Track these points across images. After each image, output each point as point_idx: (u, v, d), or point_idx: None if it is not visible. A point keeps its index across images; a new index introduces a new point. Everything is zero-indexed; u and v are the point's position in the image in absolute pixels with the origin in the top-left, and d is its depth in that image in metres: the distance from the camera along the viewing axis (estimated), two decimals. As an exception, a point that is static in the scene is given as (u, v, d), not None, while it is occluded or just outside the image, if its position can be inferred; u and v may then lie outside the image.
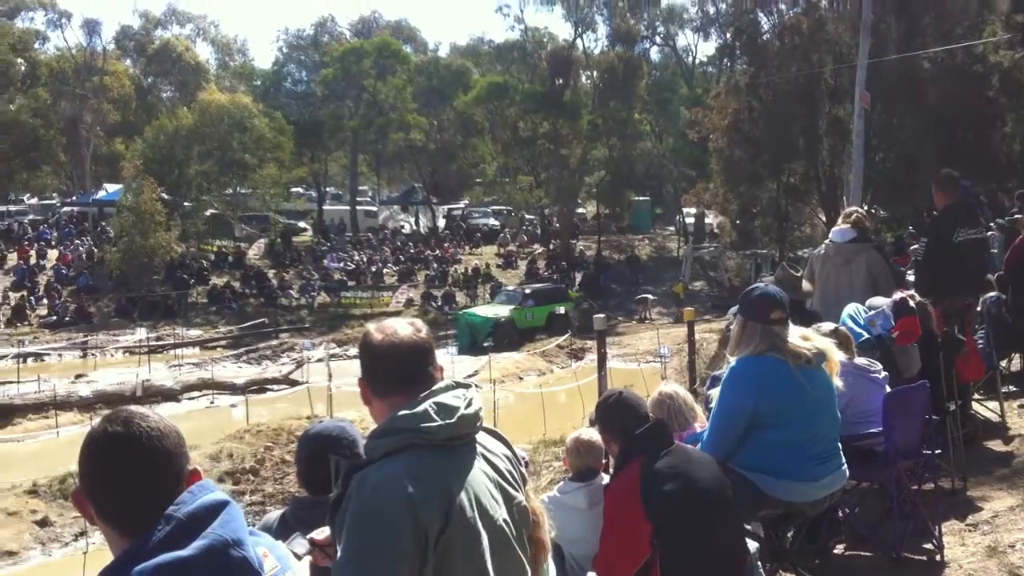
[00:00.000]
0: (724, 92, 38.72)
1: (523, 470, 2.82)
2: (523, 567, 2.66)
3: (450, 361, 26.41)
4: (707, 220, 52.71)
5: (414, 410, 2.49)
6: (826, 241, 8.31)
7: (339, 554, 2.42)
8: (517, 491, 2.69)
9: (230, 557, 1.83)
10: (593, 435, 4.73)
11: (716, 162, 40.20)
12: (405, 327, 2.66)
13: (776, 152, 36.12)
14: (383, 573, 2.35)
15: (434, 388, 2.56)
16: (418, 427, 2.46)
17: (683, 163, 51.94)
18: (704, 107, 40.69)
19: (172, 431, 1.96)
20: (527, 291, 37.96)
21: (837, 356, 4.64)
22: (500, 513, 2.57)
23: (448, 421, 2.49)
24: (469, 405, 2.55)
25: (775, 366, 4.45)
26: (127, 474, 1.90)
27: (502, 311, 35.49)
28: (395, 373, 2.61)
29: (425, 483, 2.42)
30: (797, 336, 4.53)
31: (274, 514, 3.65)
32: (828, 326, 5.56)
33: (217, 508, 1.88)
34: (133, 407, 2.03)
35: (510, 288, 40.41)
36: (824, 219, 36.26)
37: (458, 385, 2.61)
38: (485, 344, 31.57)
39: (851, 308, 6.85)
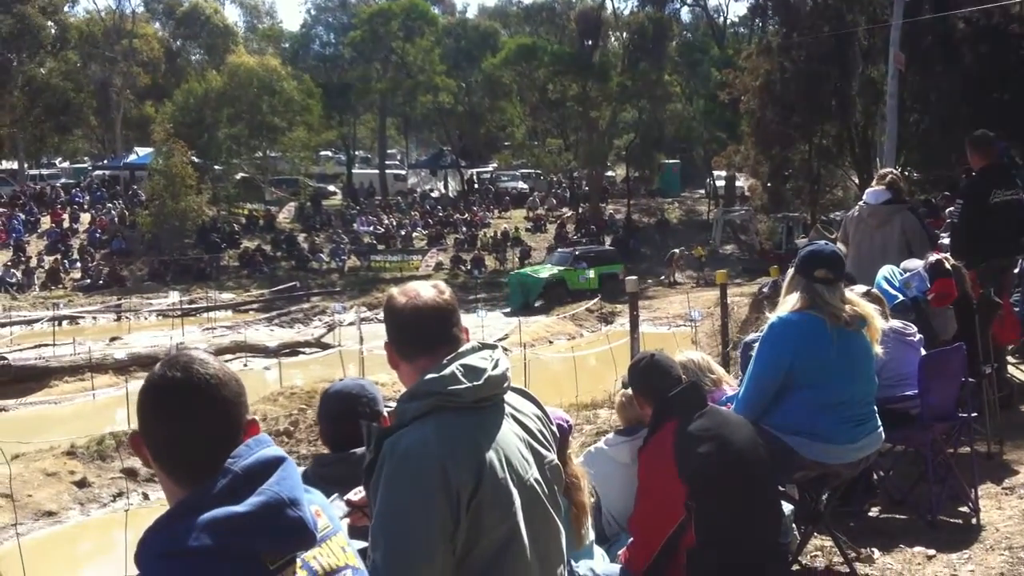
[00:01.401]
0: (756, 53, 38.15)
1: (554, 428, 2.83)
2: (557, 526, 2.69)
3: (479, 324, 26.53)
4: (738, 183, 52.21)
5: (441, 373, 2.51)
6: (860, 203, 8.22)
7: (374, 517, 2.47)
8: (548, 450, 2.71)
9: (286, 516, 1.81)
10: None
11: (747, 124, 39.73)
12: (428, 290, 2.66)
13: (808, 114, 35.64)
14: (417, 535, 2.39)
15: (460, 350, 2.58)
16: (446, 389, 2.49)
17: (713, 125, 51.36)
18: (735, 68, 40.14)
19: (232, 379, 1.93)
20: (579, 252, 38.15)
21: (879, 323, 4.61)
22: (531, 472, 2.59)
23: (475, 383, 2.51)
24: (496, 366, 2.57)
25: (814, 324, 4.42)
26: (183, 420, 1.87)
27: (554, 272, 35.77)
28: (420, 336, 2.63)
29: (455, 445, 2.45)
30: (842, 299, 4.51)
31: None
32: (860, 288, 5.54)
33: (274, 464, 1.86)
34: (194, 351, 2.00)
35: (563, 249, 40.48)
36: (857, 181, 35.84)
37: (484, 346, 2.63)
38: (536, 304, 32.68)
39: (886, 270, 6.81)
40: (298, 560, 1.86)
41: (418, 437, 2.45)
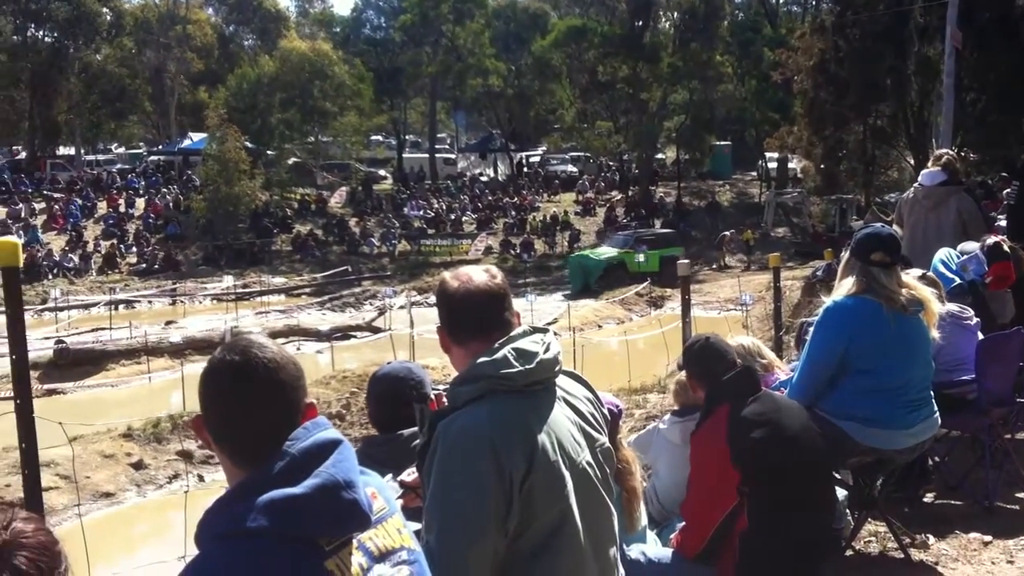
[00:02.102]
0: (809, 32, 37.64)
1: (605, 411, 2.85)
2: (609, 508, 2.70)
3: (528, 308, 26.55)
4: (790, 164, 51.64)
5: (493, 356, 2.53)
6: (915, 185, 8.10)
7: (427, 499, 2.49)
8: (600, 433, 2.72)
9: (341, 498, 1.83)
10: None
11: (800, 105, 39.28)
12: (480, 274, 2.68)
13: (863, 94, 35.10)
14: (470, 517, 2.41)
15: (512, 334, 2.60)
16: (498, 373, 2.51)
17: (766, 106, 50.78)
18: (788, 48, 39.62)
19: (290, 362, 1.96)
20: (639, 235, 38.15)
21: (936, 307, 4.54)
22: (583, 455, 2.61)
23: (528, 366, 2.52)
24: (547, 349, 2.58)
25: (870, 308, 4.36)
26: (242, 403, 1.90)
27: (613, 254, 35.81)
28: (472, 320, 2.64)
29: (507, 428, 2.47)
30: (899, 282, 4.45)
31: None
32: (915, 272, 5.46)
33: (330, 446, 1.88)
34: (253, 336, 2.03)
35: (625, 232, 40.44)
36: (912, 163, 35.34)
37: (535, 330, 2.65)
38: (596, 287, 33.01)
39: (943, 253, 6.71)
40: (354, 541, 1.89)
41: (471, 420, 2.47)
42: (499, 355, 2.53)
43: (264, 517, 1.77)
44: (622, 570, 2.79)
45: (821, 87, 36.12)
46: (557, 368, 2.63)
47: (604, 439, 2.73)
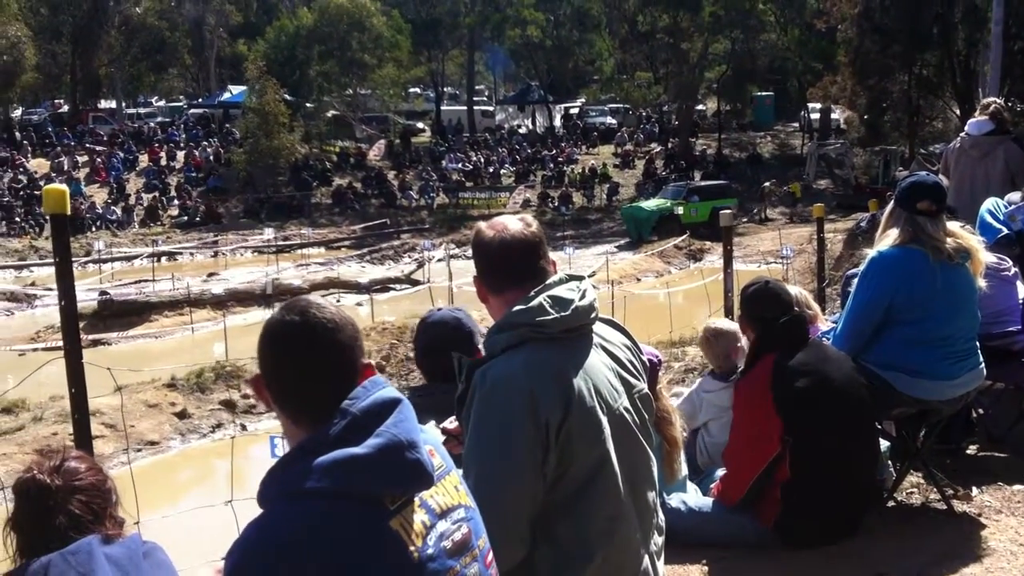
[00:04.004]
0: (854, -21, 37.02)
1: (644, 358, 2.87)
2: (647, 453, 2.72)
3: (567, 261, 26.53)
4: (833, 115, 50.89)
5: (529, 304, 2.55)
6: (961, 134, 7.95)
7: (465, 446, 2.52)
8: (638, 379, 2.74)
9: (405, 458, 1.85)
10: (723, 324, 4.71)
11: (844, 54, 38.73)
12: (515, 223, 2.68)
13: (908, 42, 34.51)
14: (507, 463, 2.45)
15: (548, 282, 2.61)
16: (534, 320, 2.53)
17: (809, 55, 49.88)
18: (832, -4, 39.05)
19: (348, 322, 1.96)
20: (692, 186, 38.06)
21: (983, 256, 4.47)
22: (621, 401, 2.63)
23: (563, 314, 2.54)
24: (583, 297, 2.60)
25: (916, 258, 4.28)
26: (302, 363, 1.91)
27: (667, 205, 35.78)
28: (508, 268, 2.65)
29: (543, 375, 2.49)
30: (945, 231, 4.37)
31: None
32: (955, 225, 5.37)
33: (391, 405, 1.89)
34: (311, 297, 2.04)
35: (677, 183, 40.24)
36: (958, 112, 34.72)
37: (571, 278, 2.66)
38: (650, 238, 33.25)
39: (990, 203, 6.58)
40: (416, 499, 1.90)
41: (507, 367, 2.50)
42: (534, 303, 2.55)
43: (328, 477, 1.78)
44: (662, 515, 2.81)
45: (866, 36, 35.56)
46: (593, 315, 2.64)
47: (642, 385, 2.75)
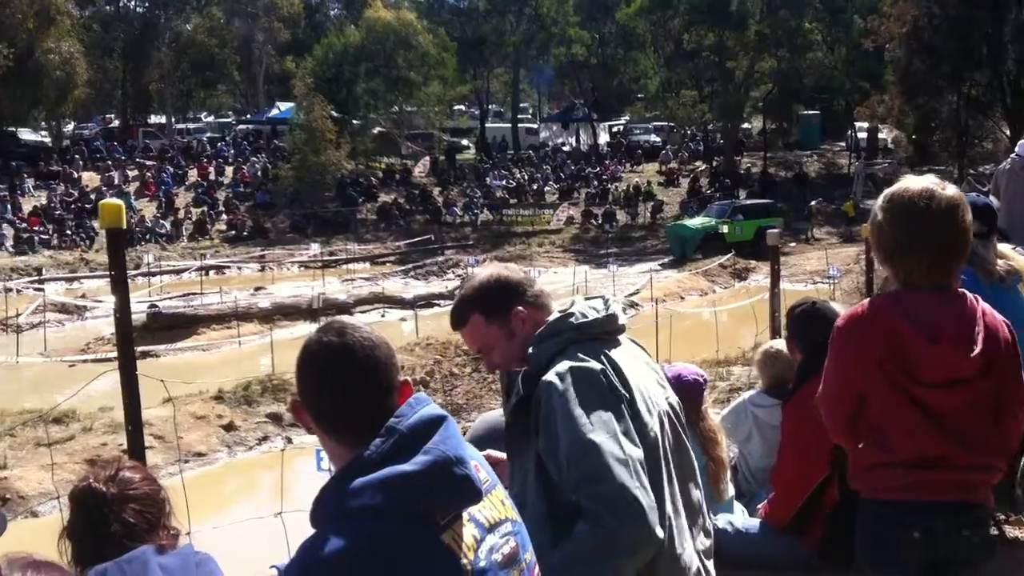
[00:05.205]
0: (902, -2, 36.71)
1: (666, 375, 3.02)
2: (690, 452, 2.81)
3: (610, 278, 26.49)
4: (881, 135, 50.42)
5: (567, 311, 2.70)
6: (1012, 155, 7.85)
7: (566, 437, 2.50)
8: (666, 389, 2.84)
9: (454, 474, 1.86)
10: (783, 346, 4.68)
11: (892, 73, 38.40)
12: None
13: (957, 62, 34.15)
14: (617, 423, 2.51)
15: (575, 300, 2.78)
16: (578, 323, 2.66)
17: (856, 74, 49.48)
18: (880, 14, 38.67)
19: (383, 342, 2.00)
20: (737, 204, 37.89)
21: None
22: (663, 395, 2.76)
23: (606, 314, 2.70)
24: (609, 307, 2.75)
25: (967, 279, 4.22)
26: (341, 382, 1.94)
27: (711, 224, 35.68)
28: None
29: (603, 363, 2.61)
30: (996, 253, 4.32)
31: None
32: (1007, 247, 5.30)
33: (436, 422, 1.91)
34: (345, 318, 2.08)
35: (722, 201, 40.07)
36: (1008, 133, 34.27)
37: (588, 298, 2.81)
38: (694, 256, 33.21)
39: (1043, 225, 6.50)
40: (464, 514, 1.92)
41: (574, 362, 2.59)
42: (573, 309, 2.70)
43: (380, 494, 1.80)
44: (709, 518, 2.87)
45: (914, 55, 35.23)
46: (622, 323, 2.78)
47: (672, 395, 2.84)
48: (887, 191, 2.78)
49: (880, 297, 2.87)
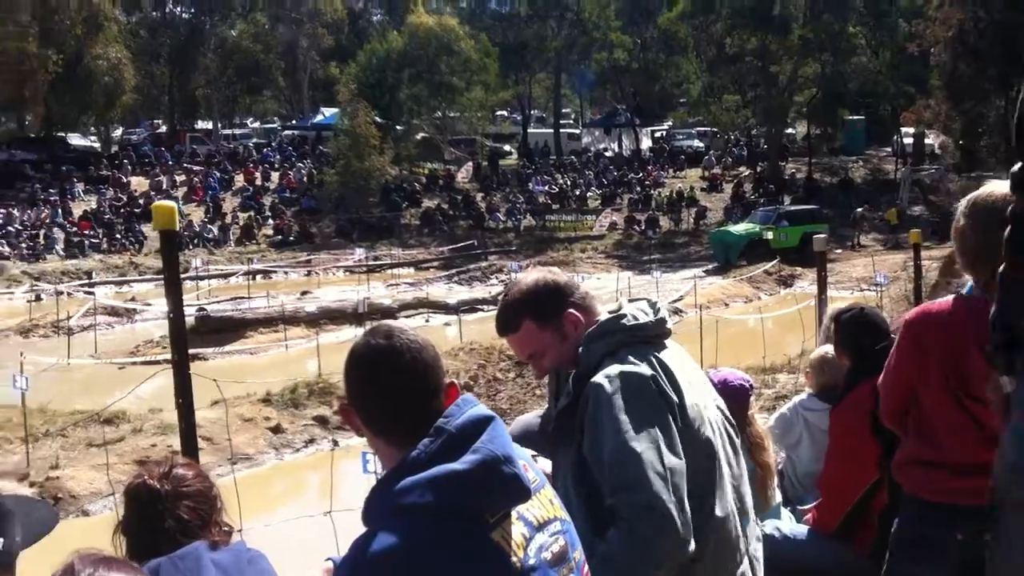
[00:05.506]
0: (948, 2, 36.23)
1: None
2: (741, 455, 2.80)
3: (654, 283, 26.39)
4: (927, 140, 49.80)
5: (618, 313, 2.70)
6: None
7: (610, 442, 2.51)
8: (714, 394, 2.84)
9: (503, 472, 1.89)
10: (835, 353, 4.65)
11: (938, 77, 37.98)
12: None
13: (1005, 65, 33.61)
14: (661, 433, 2.49)
15: (621, 302, 2.80)
16: (631, 324, 2.66)
17: (901, 79, 48.87)
18: (925, 18, 38.24)
19: (429, 345, 2.03)
20: (782, 210, 37.59)
21: None
22: (712, 404, 2.74)
23: (657, 316, 2.71)
24: (657, 311, 2.75)
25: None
26: (390, 385, 1.98)
27: (756, 230, 35.43)
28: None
29: (654, 366, 2.60)
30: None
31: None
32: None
33: (484, 422, 1.94)
34: (391, 322, 2.13)
35: (767, 207, 39.82)
36: (1059, 137, 33.67)
37: (634, 300, 2.82)
38: (739, 263, 33.04)
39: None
40: (513, 513, 1.94)
41: (623, 365, 2.59)
42: (624, 311, 2.70)
43: (431, 493, 1.83)
44: (758, 525, 2.89)
45: (960, 59, 34.82)
46: (669, 326, 2.79)
47: (717, 397, 2.84)
48: (970, 196, 2.76)
49: (959, 298, 2.85)
